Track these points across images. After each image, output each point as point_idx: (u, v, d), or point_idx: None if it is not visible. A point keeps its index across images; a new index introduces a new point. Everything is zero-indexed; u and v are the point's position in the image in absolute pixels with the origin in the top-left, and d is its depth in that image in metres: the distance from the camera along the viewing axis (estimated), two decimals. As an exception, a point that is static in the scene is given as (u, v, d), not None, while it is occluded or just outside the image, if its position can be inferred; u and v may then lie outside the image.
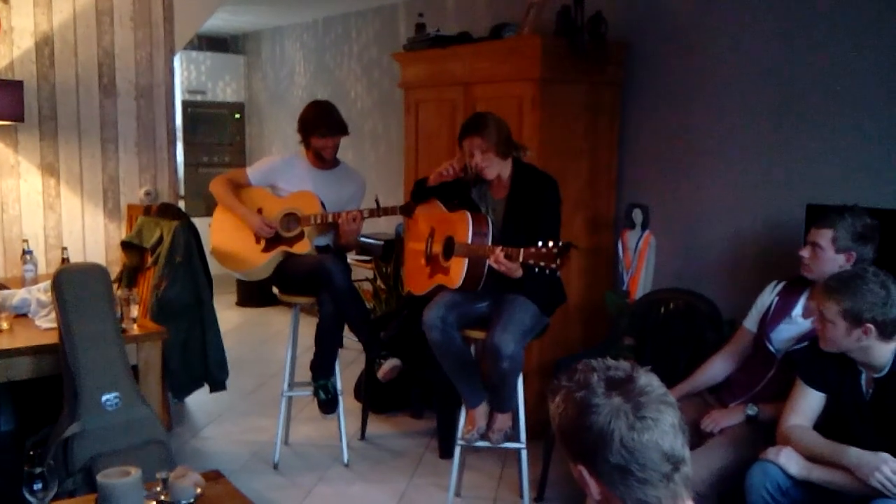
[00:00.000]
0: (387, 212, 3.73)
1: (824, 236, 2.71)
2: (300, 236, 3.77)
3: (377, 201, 3.78)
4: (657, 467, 1.31)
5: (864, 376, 2.40)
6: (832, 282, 2.38)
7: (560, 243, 2.83)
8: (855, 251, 2.68)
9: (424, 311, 3.26)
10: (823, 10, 3.41)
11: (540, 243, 2.87)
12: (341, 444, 3.90)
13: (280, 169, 3.89)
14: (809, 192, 3.44)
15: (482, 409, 3.32)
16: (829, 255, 2.70)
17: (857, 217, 2.70)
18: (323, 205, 3.77)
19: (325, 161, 3.88)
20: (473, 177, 3.30)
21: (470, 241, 3.19)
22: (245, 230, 3.81)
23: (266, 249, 3.79)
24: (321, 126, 3.79)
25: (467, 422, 3.35)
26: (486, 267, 3.15)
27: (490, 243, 3.16)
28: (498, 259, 2.98)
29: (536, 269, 2.87)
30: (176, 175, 4.76)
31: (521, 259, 2.92)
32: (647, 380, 1.37)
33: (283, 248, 3.77)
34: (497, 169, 3.25)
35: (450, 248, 3.30)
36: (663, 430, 1.31)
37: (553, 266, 2.82)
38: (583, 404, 1.34)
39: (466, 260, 3.19)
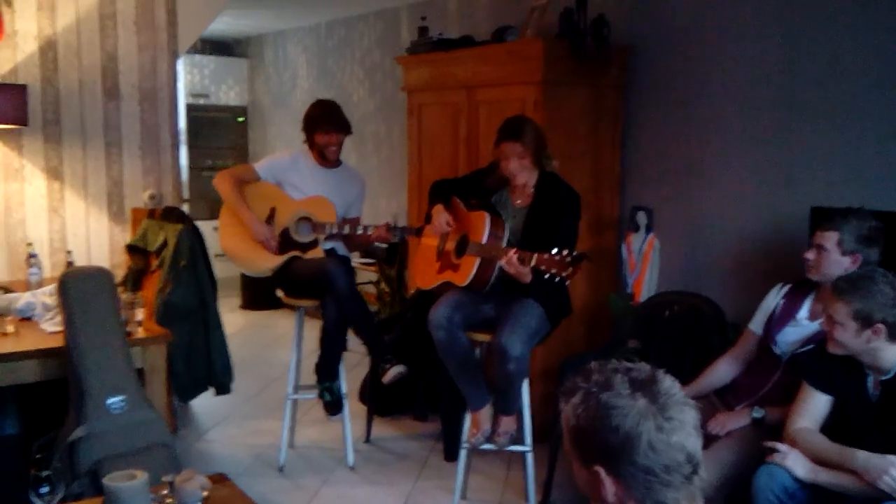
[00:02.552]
0: (404, 231, 3.81)
1: (829, 239, 2.69)
2: (314, 244, 3.77)
3: (395, 223, 3.83)
4: (680, 469, 1.30)
5: (870, 379, 2.40)
6: (841, 283, 2.37)
7: (574, 253, 2.83)
8: (860, 254, 2.67)
9: (431, 311, 3.27)
10: (825, 11, 3.41)
11: (554, 250, 2.86)
12: (346, 446, 3.90)
13: (287, 166, 3.89)
14: (814, 195, 3.44)
15: (486, 412, 3.32)
16: (834, 258, 2.69)
17: (862, 219, 2.69)
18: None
19: (328, 160, 3.89)
20: (498, 182, 3.30)
21: (485, 241, 3.19)
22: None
23: (278, 253, 3.78)
24: (325, 122, 3.81)
25: (472, 425, 3.34)
26: (496, 269, 3.15)
27: (504, 247, 3.16)
28: (511, 261, 2.97)
29: (546, 276, 2.87)
30: (180, 178, 4.75)
31: (533, 263, 2.91)
32: (670, 381, 1.36)
33: (297, 253, 3.76)
34: (526, 176, 3.25)
35: (463, 246, 3.30)
36: (688, 431, 1.31)
37: (564, 275, 2.82)
38: (607, 406, 1.32)
39: (478, 259, 3.19)
